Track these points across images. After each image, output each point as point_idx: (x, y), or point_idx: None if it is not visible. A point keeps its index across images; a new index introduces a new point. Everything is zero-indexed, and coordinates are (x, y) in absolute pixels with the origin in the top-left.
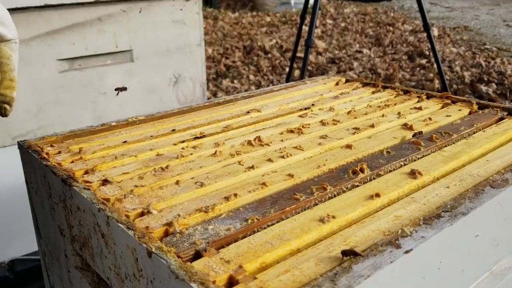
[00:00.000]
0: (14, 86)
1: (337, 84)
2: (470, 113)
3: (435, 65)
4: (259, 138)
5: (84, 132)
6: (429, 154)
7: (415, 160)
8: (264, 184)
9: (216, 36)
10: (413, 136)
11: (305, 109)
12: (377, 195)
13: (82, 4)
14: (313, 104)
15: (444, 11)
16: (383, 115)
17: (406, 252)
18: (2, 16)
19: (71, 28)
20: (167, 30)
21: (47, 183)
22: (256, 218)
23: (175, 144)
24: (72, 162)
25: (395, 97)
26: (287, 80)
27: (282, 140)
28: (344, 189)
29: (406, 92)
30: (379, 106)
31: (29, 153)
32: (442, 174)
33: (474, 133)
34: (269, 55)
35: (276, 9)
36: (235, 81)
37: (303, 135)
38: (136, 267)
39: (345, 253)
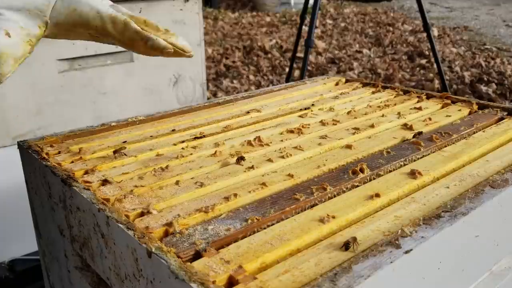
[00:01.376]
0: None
1: (337, 84)
2: (470, 113)
3: (435, 65)
4: (259, 138)
5: (84, 132)
6: (429, 154)
7: (415, 160)
8: (264, 184)
9: (216, 36)
10: (413, 136)
11: (305, 109)
12: (377, 195)
13: None
14: (313, 104)
15: (444, 11)
16: (383, 115)
17: (406, 252)
18: None
19: None
20: None
21: (47, 183)
22: (256, 218)
23: (175, 144)
24: (72, 162)
25: (395, 97)
26: (287, 80)
27: (282, 140)
28: (344, 189)
29: (406, 92)
30: (379, 106)
31: (29, 153)
32: (442, 174)
33: (474, 133)
34: (269, 55)
35: (276, 9)
36: (235, 81)
37: (303, 135)
38: (136, 267)
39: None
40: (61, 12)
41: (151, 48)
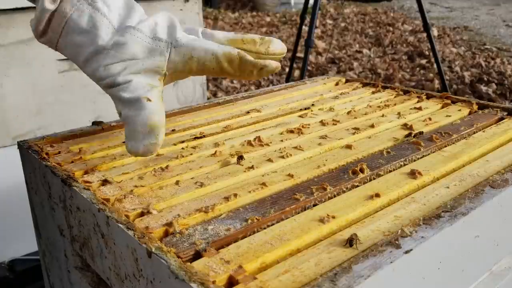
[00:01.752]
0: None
1: (337, 84)
2: (470, 113)
3: (435, 65)
4: (259, 138)
5: (84, 132)
6: (429, 154)
7: (415, 160)
8: (264, 184)
9: None
10: (413, 136)
11: (305, 109)
12: (377, 195)
13: None
14: (313, 104)
15: (444, 11)
16: (383, 115)
17: (406, 252)
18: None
19: None
20: None
21: (47, 183)
22: (256, 218)
23: (175, 144)
24: (72, 162)
25: (395, 97)
26: (287, 80)
27: (282, 140)
28: (344, 189)
29: (406, 92)
30: (379, 106)
31: (29, 153)
32: (442, 174)
33: (474, 133)
34: None
35: (276, 9)
36: (235, 81)
37: (303, 135)
38: (136, 267)
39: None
40: (177, 61)
41: (265, 73)
